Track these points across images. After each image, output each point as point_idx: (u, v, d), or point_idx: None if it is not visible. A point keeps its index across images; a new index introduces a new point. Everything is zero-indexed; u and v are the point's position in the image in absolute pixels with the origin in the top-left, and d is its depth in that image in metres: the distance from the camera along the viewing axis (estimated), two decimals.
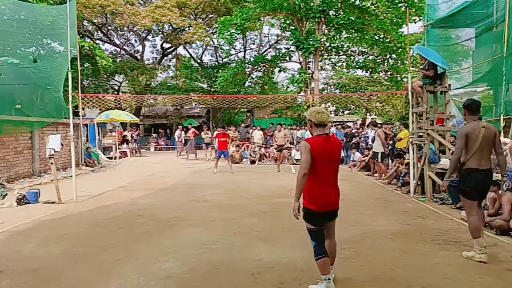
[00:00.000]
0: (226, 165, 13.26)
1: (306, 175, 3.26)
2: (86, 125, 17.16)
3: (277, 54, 23.25)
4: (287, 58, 23.83)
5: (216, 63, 31.78)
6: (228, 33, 18.77)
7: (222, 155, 12.90)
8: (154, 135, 29.20)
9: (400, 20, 18.69)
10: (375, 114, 26.29)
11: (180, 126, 23.19)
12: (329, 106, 27.75)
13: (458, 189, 4.65)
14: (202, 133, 19.51)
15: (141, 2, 28.26)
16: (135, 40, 31.88)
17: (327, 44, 21.02)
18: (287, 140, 13.62)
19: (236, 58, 29.21)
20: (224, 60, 30.86)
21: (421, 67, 8.62)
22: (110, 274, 3.94)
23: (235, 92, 22.78)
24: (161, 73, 33.51)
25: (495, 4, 9.11)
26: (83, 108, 9.89)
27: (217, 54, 31.74)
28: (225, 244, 4.87)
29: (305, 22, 18.88)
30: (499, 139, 4.39)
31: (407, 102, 8.87)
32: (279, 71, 23.50)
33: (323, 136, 3.36)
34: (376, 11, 19.57)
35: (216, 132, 16.57)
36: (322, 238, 3.41)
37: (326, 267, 3.35)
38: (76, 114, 12.96)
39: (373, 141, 11.38)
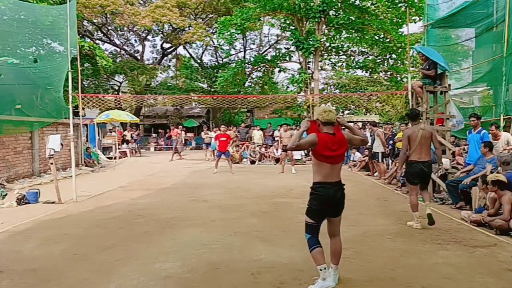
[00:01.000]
0: (226, 165, 13.26)
1: (292, 148, 3.52)
2: (86, 125, 17.15)
3: (277, 54, 23.22)
4: (287, 58, 23.81)
5: (216, 63, 31.80)
6: (228, 33, 18.76)
7: (222, 155, 12.92)
8: (154, 135, 29.20)
9: (400, 20, 18.66)
10: (375, 114, 26.29)
11: (180, 126, 23.21)
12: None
13: (404, 175, 6.26)
14: (202, 133, 19.51)
15: (141, 2, 28.28)
16: (135, 40, 31.95)
17: (327, 44, 21.00)
18: None
19: (236, 58, 29.27)
20: (224, 60, 30.88)
21: (421, 67, 8.63)
22: (110, 274, 3.94)
23: (235, 92, 22.78)
24: (161, 73, 33.56)
25: (495, 4, 9.10)
26: (83, 108, 9.90)
27: (217, 54, 31.78)
28: (225, 244, 4.87)
29: (305, 22, 18.86)
30: (435, 137, 5.83)
31: (407, 102, 8.87)
32: (279, 71, 23.49)
33: (330, 135, 3.53)
34: (376, 11, 19.55)
35: (213, 133, 16.60)
36: (317, 232, 3.57)
37: (320, 257, 3.48)
38: (76, 114, 12.97)
39: (372, 141, 11.32)
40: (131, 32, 30.41)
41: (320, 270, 3.44)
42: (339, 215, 3.65)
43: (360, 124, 21.57)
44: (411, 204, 5.72)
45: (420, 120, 6.22)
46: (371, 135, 11.98)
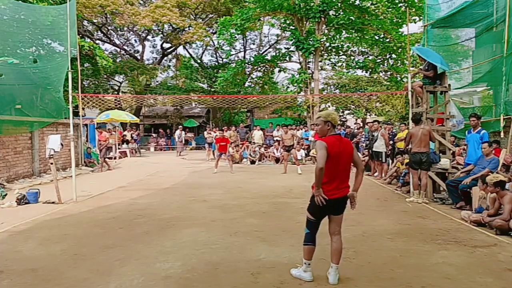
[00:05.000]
0: (226, 165, 13.25)
1: (322, 169, 3.46)
2: (86, 125, 17.16)
3: (277, 54, 23.21)
4: (287, 58, 23.80)
5: (216, 63, 31.77)
6: (228, 33, 18.75)
7: (223, 154, 12.97)
8: (154, 135, 29.20)
9: (400, 20, 18.66)
10: (375, 114, 26.25)
11: (180, 126, 23.21)
12: (329, 106, 27.70)
13: (408, 164, 8.15)
14: (205, 132, 19.54)
15: (141, 2, 28.25)
16: (135, 40, 31.93)
17: (327, 44, 20.98)
18: (295, 140, 13.67)
19: (236, 58, 29.22)
20: (224, 60, 30.85)
21: (421, 67, 8.63)
22: (110, 274, 3.94)
23: (235, 92, 22.77)
24: (161, 73, 33.51)
25: (495, 4, 9.08)
26: (83, 108, 9.86)
27: (217, 54, 31.74)
28: (225, 244, 4.87)
29: (305, 22, 18.86)
30: (432, 135, 7.59)
31: (407, 102, 8.87)
32: (279, 71, 23.49)
33: (337, 136, 3.66)
34: (376, 11, 19.53)
35: (214, 134, 16.60)
36: (316, 230, 3.73)
37: (309, 254, 3.71)
38: (76, 114, 12.95)
39: (374, 141, 11.25)
40: (131, 32, 30.41)
41: (305, 263, 3.72)
42: (340, 213, 3.72)
43: (361, 123, 21.60)
44: (413, 184, 7.73)
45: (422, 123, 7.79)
46: (369, 136, 11.97)
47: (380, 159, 10.90)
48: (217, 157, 13.26)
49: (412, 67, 16.68)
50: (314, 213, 3.65)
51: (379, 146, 10.81)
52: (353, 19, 18.53)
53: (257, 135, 17.37)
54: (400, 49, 18.83)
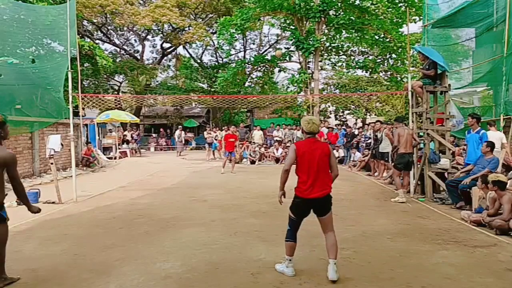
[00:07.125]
0: (226, 165, 13.22)
1: (287, 171, 3.77)
2: (86, 125, 17.15)
3: None
4: (287, 58, 23.80)
5: (216, 63, 31.75)
6: (228, 33, 18.75)
7: (229, 154, 12.98)
8: (154, 135, 29.19)
9: (400, 20, 18.65)
10: (375, 114, 26.26)
11: (180, 126, 23.20)
12: (329, 106, 27.70)
13: (393, 163, 8.28)
14: (205, 132, 19.54)
15: (141, 2, 28.25)
16: (135, 40, 31.90)
17: (327, 44, 20.97)
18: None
19: (236, 58, 29.21)
20: (224, 60, 30.84)
21: (421, 67, 8.64)
22: (110, 274, 3.95)
23: (235, 92, 22.77)
24: (161, 73, 33.50)
25: (495, 4, 9.08)
26: (83, 108, 9.87)
27: (217, 54, 31.72)
28: (225, 244, 4.88)
29: (305, 22, 18.85)
30: (414, 136, 7.84)
31: (407, 102, 8.87)
32: (279, 71, 23.47)
33: (311, 139, 3.81)
34: (376, 11, 19.52)
35: (224, 133, 16.62)
36: (296, 228, 3.83)
37: (290, 249, 3.81)
38: (76, 114, 12.94)
39: (380, 141, 11.16)
40: (131, 32, 30.38)
41: (287, 259, 3.82)
42: (325, 214, 3.77)
43: (360, 123, 21.61)
44: (396, 184, 7.93)
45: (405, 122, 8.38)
46: (371, 136, 11.94)
47: (386, 159, 10.84)
48: (224, 156, 13.24)
49: (412, 67, 16.70)
50: (294, 211, 3.80)
51: (386, 146, 10.69)
52: (353, 19, 18.51)
53: (257, 135, 17.38)
54: (400, 49, 18.80)
